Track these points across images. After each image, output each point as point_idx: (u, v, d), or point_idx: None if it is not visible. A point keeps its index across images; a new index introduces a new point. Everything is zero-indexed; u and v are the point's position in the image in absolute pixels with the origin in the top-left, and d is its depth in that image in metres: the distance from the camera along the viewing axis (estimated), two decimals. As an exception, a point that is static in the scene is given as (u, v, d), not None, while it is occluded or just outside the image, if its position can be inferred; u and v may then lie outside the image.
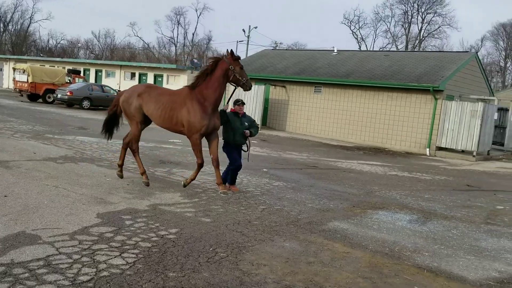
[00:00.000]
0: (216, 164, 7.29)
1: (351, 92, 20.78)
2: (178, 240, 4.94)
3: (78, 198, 6.25)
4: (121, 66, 36.11)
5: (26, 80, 27.13)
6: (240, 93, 18.10)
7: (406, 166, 14.15)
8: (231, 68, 7.17)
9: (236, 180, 7.95)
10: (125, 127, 8.16)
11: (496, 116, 18.94)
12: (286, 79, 22.91)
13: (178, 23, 77.67)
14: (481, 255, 5.44)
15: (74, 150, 10.29)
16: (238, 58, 7.43)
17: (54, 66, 37.12)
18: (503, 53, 66.45)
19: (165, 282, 3.85)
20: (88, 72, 38.26)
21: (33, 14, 77.86)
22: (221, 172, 7.57)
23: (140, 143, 7.92)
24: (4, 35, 75.85)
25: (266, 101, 23.41)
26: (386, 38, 72.26)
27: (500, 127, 20.77)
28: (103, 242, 4.67)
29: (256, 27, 51.40)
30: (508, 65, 66.93)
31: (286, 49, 39.31)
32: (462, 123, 17.65)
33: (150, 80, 32.72)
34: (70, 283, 3.66)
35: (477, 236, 6.32)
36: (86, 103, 25.48)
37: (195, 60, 33.57)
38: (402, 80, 19.30)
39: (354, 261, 4.83)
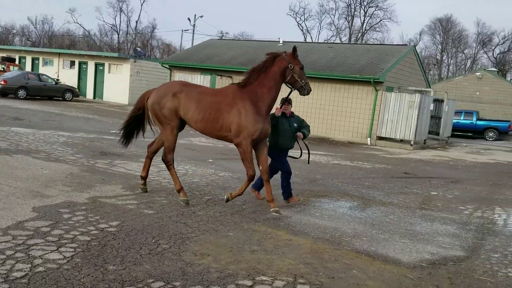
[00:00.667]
0: (267, 177, 6.34)
1: (296, 83, 21.05)
2: (119, 233, 4.83)
3: (12, 192, 5.94)
4: (59, 54, 34.42)
5: (-47, 68, 25.32)
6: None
7: (348, 155, 14.60)
8: (290, 67, 6.18)
9: (182, 171, 7.86)
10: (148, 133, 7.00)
11: (432, 106, 19.91)
12: (232, 70, 22.85)
13: (121, 10, 75.03)
14: (416, 239, 5.74)
15: (8, 142, 9.74)
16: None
17: (-15, 53, 34.83)
18: (440, 46, 69.76)
19: (105, 275, 3.76)
20: (24, 60, 36.19)
21: (-39, -4, 72.63)
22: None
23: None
24: None
25: (212, 91, 23.24)
26: (331, 30, 74.03)
27: (435, 117, 21.84)
28: (39, 236, 4.48)
29: (202, 16, 50.89)
30: (444, 58, 70.40)
31: (232, 39, 39.17)
32: (400, 114, 18.42)
33: (91, 69, 31.47)
34: (3, 280, 3.49)
35: (412, 221, 6.65)
36: (22, 93, 24.16)
37: (139, 49, 32.61)
38: (345, 72, 19.82)
39: (297, 248, 4.93)
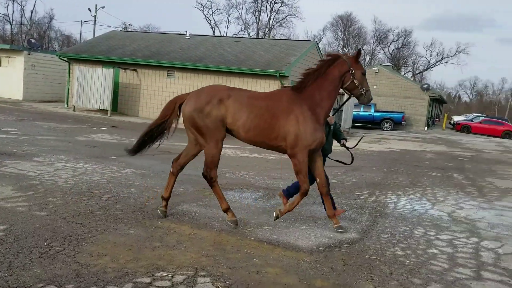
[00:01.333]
0: (326, 190, 5.77)
1: (204, 77, 21.00)
2: (6, 238, 4.46)
3: None
4: None
5: None
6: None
7: (256, 148, 14.84)
8: (351, 71, 5.59)
9: (81, 169, 7.46)
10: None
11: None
12: (137, 63, 22.13)
13: (13, -2, 69.03)
14: (314, 225, 6.01)
15: None
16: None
17: None
18: (341, 42, 73.63)
19: (-14, 285, 3.46)
20: None
21: None
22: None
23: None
24: None
25: (116, 85, 22.33)
26: (239, 25, 74.66)
27: (338, 110, 23.09)
28: None
29: (103, 7, 48.29)
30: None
31: (136, 31, 37.85)
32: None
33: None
34: None
35: (312, 208, 6.96)
36: None
37: (33, 40, 30.21)
38: (252, 66, 20.14)
39: (200, 242, 4.93)
